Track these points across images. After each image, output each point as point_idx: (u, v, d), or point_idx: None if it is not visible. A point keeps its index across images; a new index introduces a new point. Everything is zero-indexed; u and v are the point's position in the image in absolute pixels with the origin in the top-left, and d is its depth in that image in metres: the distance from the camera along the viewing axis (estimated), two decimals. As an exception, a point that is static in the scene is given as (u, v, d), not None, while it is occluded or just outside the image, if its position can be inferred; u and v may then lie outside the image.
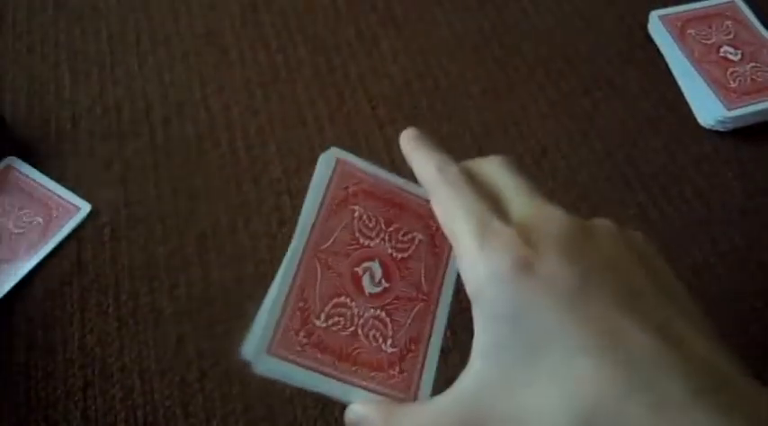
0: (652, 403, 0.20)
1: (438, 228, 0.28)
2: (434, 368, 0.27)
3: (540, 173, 0.45)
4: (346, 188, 0.29)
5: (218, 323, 0.39)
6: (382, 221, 0.29)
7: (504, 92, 0.49)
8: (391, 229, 0.29)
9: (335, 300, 0.27)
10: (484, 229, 0.24)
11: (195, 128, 0.47)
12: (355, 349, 0.27)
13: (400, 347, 0.27)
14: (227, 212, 0.43)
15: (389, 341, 0.27)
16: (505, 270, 0.23)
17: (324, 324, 0.27)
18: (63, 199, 0.43)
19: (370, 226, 0.29)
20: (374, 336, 0.27)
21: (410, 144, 0.29)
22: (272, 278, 0.37)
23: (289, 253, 0.27)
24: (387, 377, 0.27)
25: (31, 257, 0.41)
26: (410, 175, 0.29)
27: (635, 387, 0.20)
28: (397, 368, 0.27)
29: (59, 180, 0.43)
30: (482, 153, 0.45)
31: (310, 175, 0.44)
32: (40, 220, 0.42)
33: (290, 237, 0.42)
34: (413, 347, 0.28)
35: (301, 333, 0.26)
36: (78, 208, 0.43)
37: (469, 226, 0.24)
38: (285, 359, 0.25)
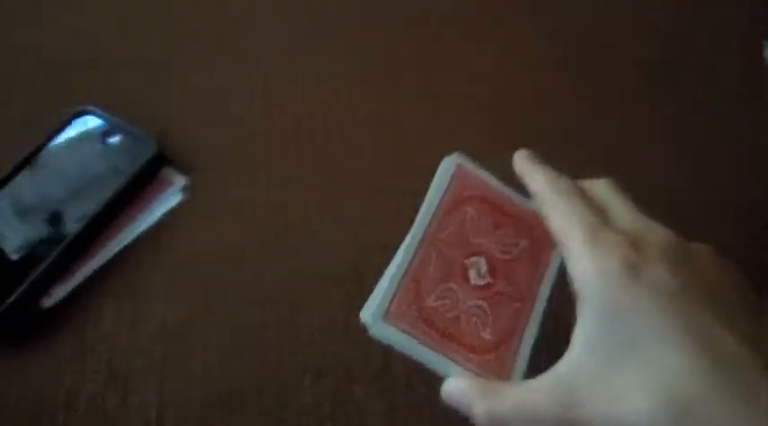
0: (743, 401, 0.22)
1: (540, 238, 0.32)
2: (526, 361, 0.30)
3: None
4: (463, 191, 0.32)
5: (300, 315, 0.39)
6: (491, 224, 0.32)
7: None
8: (499, 233, 0.32)
9: (444, 284, 0.30)
10: (595, 232, 0.26)
11: (294, 120, 0.47)
12: (457, 330, 0.30)
13: (497, 336, 0.30)
14: (317, 206, 0.43)
15: (488, 329, 0.30)
16: (613, 269, 0.25)
17: (433, 304, 0.30)
18: (162, 174, 0.44)
19: (481, 226, 0.32)
20: (475, 322, 0.30)
21: (524, 161, 0.31)
22: (353, 277, 0.37)
23: (409, 237, 0.31)
24: (483, 361, 0.29)
25: (130, 230, 0.42)
26: (519, 189, 0.32)
27: (726, 382, 0.23)
28: (493, 355, 0.30)
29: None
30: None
31: (402, 178, 0.44)
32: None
33: (375, 237, 0.42)
34: (508, 339, 0.30)
35: (413, 307, 0.29)
36: (172, 183, 0.44)
37: (581, 229, 0.27)
38: (397, 327, 0.29)
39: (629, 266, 0.25)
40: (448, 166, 0.33)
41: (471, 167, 0.33)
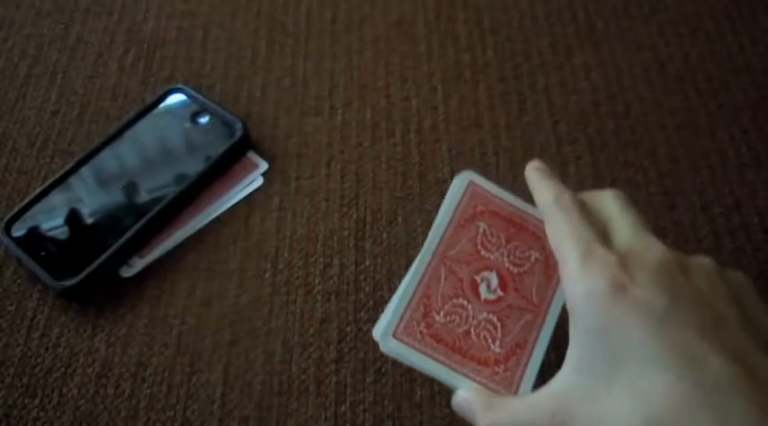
0: (718, 422, 0.22)
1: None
2: (535, 373, 0.30)
3: (728, 226, 0.41)
4: (475, 206, 0.33)
5: (363, 310, 0.39)
6: (503, 238, 0.33)
7: (702, 129, 0.45)
8: (511, 246, 0.33)
9: (454, 301, 0.31)
10: (587, 253, 0.27)
11: (373, 115, 0.47)
12: (467, 344, 0.30)
13: (507, 349, 0.31)
14: (389, 202, 0.43)
15: (498, 343, 0.31)
16: (600, 289, 0.26)
17: (442, 320, 0.31)
18: (246, 157, 0.45)
19: (492, 241, 0.33)
20: (484, 336, 0.31)
21: (534, 172, 0.32)
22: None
23: (420, 256, 0.32)
24: (492, 373, 0.30)
25: (211, 209, 0.43)
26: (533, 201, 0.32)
27: (704, 405, 0.23)
28: (502, 367, 0.30)
29: (242, 142, 0.46)
30: (666, 191, 0.43)
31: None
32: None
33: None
34: (518, 351, 0.31)
35: (422, 324, 0.30)
36: (257, 166, 0.45)
37: (575, 249, 0.27)
38: (406, 343, 0.30)
39: (616, 286, 0.25)
40: (460, 183, 0.34)
41: (483, 183, 0.34)
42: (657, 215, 0.42)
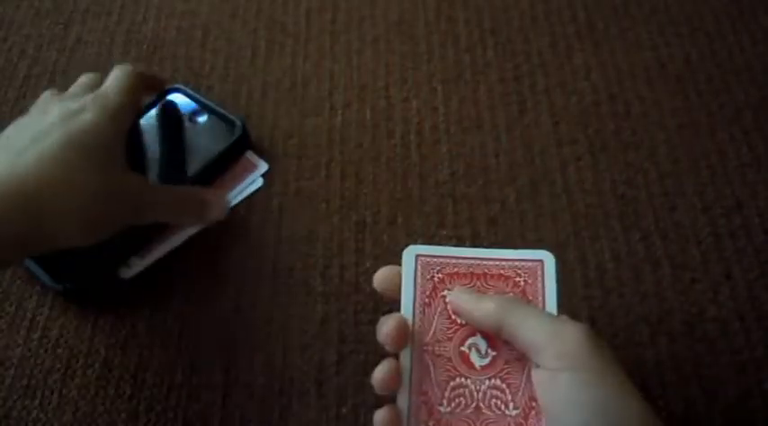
0: None
1: (526, 283, 0.32)
2: None
3: (729, 227, 0.41)
4: (432, 277, 0.32)
5: (363, 312, 0.39)
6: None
7: (703, 130, 0.45)
8: None
9: (452, 384, 0.30)
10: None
11: (373, 116, 0.47)
12: (482, 422, 0.30)
13: (522, 407, 0.30)
14: (389, 204, 0.43)
15: (511, 405, 0.30)
16: None
17: (448, 409, 0.30)
18: (246, 158, 0.45)
19: None
20: (496, 405, 0.30)
21: (459, 299, 0.32)
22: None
23: (401, 357, 0.31)
24: None
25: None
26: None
27: None
28: (525, 423, 0.29)
29: (242, 143, 0.46)
30: (667, 192, 0.43)
31: (478, 183, 0.44)
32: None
33: (447, 241, 0.41)
34: (534, 404, 0.29)
35: (431, 423, 0.30)
36: (256, 166, 0.45)
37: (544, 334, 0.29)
38: None
39: None
40: (408, 262, 0.33)
41: (430, 250, 0.33)
42: (658, 216, 0.42)
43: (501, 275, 0.32)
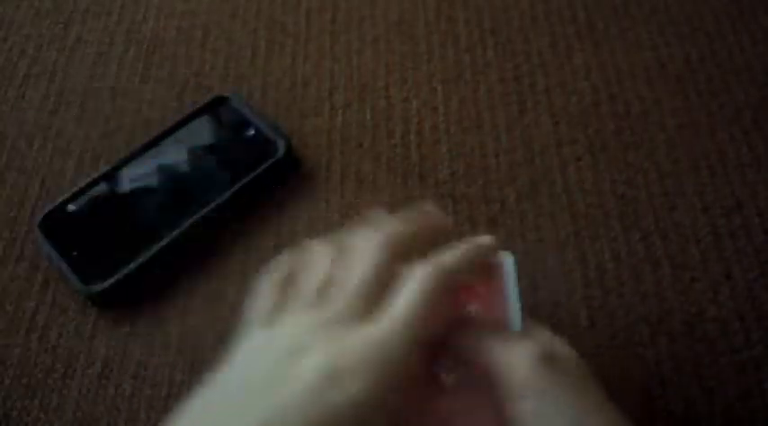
0: None
1: (489, 293, 0.29)
2: None
3: (728, 227, 0.41)
4: None
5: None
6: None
7: (703, 130, 0.45)
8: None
9: None
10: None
11: (373, 116, 0.47)
12: None
13: None
14: (389, 204, 0.43)
15: None
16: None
17: None
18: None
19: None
20: None
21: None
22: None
23: None
24: None
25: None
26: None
27: None
28: None
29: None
30: (666, 192, 0.43)
31: (477, 183, 0.44)
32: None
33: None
34: None
35: None
36: None
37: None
38: None
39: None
40: None
41: None
42: (658, 216, 0.42)
43: (460, 286, 0.29)
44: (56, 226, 0.41)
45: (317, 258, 0.27)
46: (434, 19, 0.52)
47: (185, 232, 0.41)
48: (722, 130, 0.45)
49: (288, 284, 0.26)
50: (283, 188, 0.44)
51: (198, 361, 0.38)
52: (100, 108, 0.48)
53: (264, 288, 0.26)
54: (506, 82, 0.48)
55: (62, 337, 0.39)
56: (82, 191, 0.42)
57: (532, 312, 0.31)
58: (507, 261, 0.30)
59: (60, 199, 0.42)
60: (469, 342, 0.28)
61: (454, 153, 0.45)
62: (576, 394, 0.26)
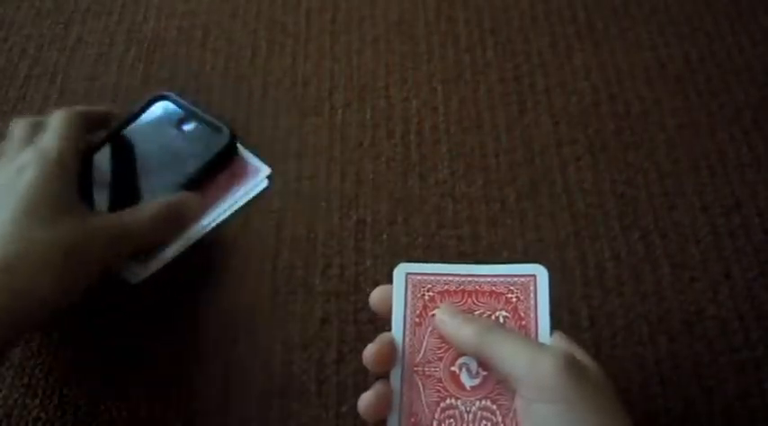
0: None
1: (518, 299, 0.31)
2: None
3: (728, 227, 0.41)
4: (422, 296, 0.32)
5: (363, 311, 0.39)
6: (465, 311, 0.31)
7: (702, 130, 0.45)
8: (475, 316, 0.31)
9: (442, 405, 0.30)
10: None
11: (373, 116, 0.47)
12: None
13: None
14: (389, 203, 0.43)
15: None
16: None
17: None
18: (247, 161, 0.45)
19: None
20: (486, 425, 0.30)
21: (445, 322, 0.31)
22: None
23: (391, 379, 0.31)
24: None
25: (211, 215, 0.43)
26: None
27: None
28: None
29: (242, 144, 0.45)
30: (666, 192, 0.43)
31: (477, 183, 0.44)
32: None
33: (447, 241, 0.42)
34: None
35: None
36: (258, 170, 0.44)
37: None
38: None
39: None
40: (398, 281, 0.32)
41: (419, 268, 0.33)
42: (657, 216, 0.42)
43: (492, 292, 0.32)
44: None
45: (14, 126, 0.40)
46: (434, 19, 0.52)
47: None
48: (722, 130, 0.45)
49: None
50: (285, 188, 0.44)
51: (198, 361, 0.38)
52: (100, 108, 0.48)
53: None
54: (506, 82, 0.48)
55: (63, 337, 0.39)
56: None
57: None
58: (542, 274, 0.32)
59: None
60: (496, 346, 0.29)
61: (454, 153, 0.45)
62: (599, 403, 0.27)
